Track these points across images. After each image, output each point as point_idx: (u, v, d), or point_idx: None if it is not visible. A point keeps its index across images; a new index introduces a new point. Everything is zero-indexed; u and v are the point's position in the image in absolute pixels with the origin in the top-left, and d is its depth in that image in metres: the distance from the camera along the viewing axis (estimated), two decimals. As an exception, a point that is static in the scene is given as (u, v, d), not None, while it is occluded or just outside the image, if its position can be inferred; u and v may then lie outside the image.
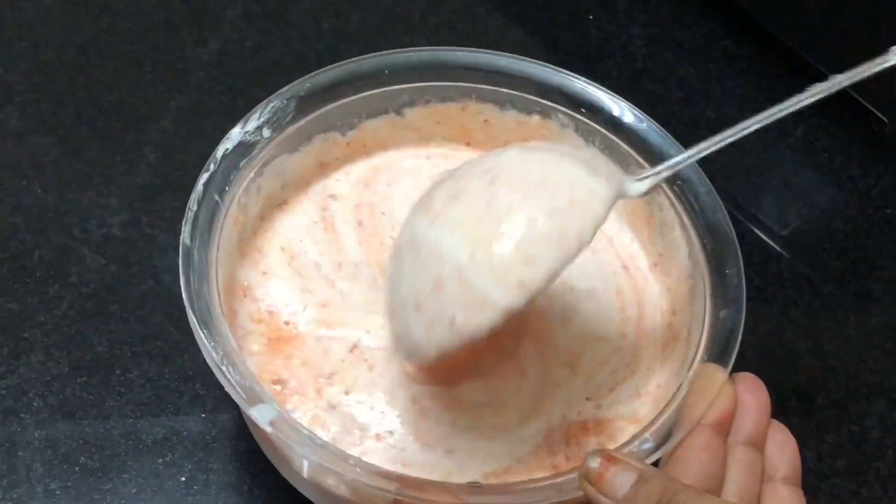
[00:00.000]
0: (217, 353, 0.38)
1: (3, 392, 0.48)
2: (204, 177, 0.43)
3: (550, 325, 0.46)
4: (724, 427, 0.39)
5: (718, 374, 0.40)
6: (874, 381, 0.53)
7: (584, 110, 0.49)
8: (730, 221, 0.45)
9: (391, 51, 0.49)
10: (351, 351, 0.44)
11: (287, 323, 0.45)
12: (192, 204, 0.42)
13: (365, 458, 0.40)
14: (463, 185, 0.37)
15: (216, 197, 0.43)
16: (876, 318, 0.55)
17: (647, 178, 0.40)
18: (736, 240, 0.44)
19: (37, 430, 0.47)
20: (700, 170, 0.46)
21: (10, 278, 0.52)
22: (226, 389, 0.38)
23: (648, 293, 0.48)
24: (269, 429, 0.37)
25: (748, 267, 0.44)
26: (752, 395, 0.39)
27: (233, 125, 0.45)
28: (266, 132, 0.46)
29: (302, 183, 0.49)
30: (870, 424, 0.51)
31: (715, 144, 0.40)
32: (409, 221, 0.39)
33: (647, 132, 0.48)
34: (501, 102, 0.50)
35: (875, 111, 0.60)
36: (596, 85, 0.49)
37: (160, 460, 0.47)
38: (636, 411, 0.44)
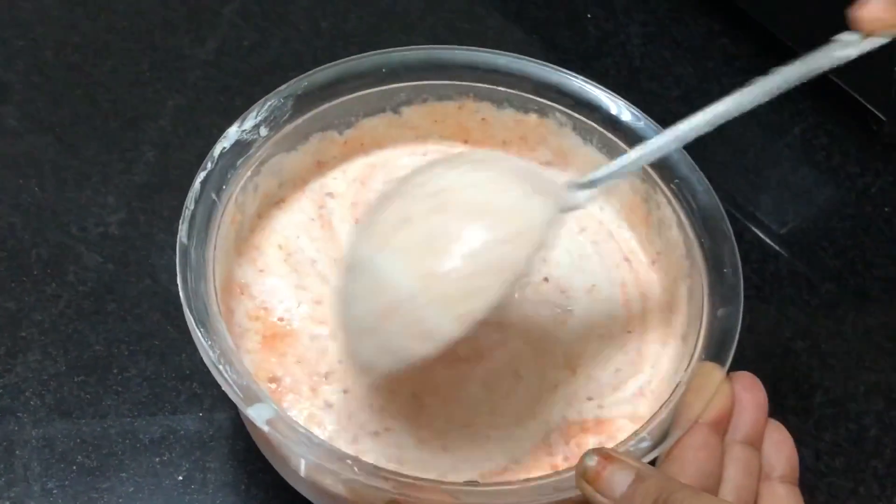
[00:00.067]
0: (214, 352, 0.38)
1: (0, 391, 0.48)
2: (201, 175, 0.43)
3: (548, 326, 0.46)
4: (721, 426, 0.39)
5: (716, 373, 0.40)
6: (872, 379, 0.53)
7: (581, 109, 0.49)
8: (727, 220, 0.45)
9: (389, 49, 0.49)
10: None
11: (281, 319, 0.45)
12: (190, 202, 0.42)
13: (362, 457, 0.40)
14: (410, 210, 0.38)
15: (213, 195, 0.43)
16: (874, 316, 0.55)
17: (587, 187, 0.40)
18: (734, 238, 0.44)
19: (34, 429, 0.47)
20: (697, 168, 0.46)
21: (7, 277, 0.52)
22: (223, 389, 0.38)
23: (647, 290, 0.48)
24: (266, 428, 0.37)
25: (746, 265, 0.44)
26: (750, 393, 0.39)
27: (230, 124, 0.45)
28: (263, 131, 0.46)
29: (299, 181, 0.49)
30: (867, 423, 0.51)
31: (652, 154, 0.41)
32: (359, 241, 0.39)
33: (644, 131, 0.48)
34: (499, 101, 0.50)
35: (873, 110, 0.60)
36: (594, 83, 0.49)
37: (157, 459, 0.47)
38: (637, 410, 0.44)
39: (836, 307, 0.56)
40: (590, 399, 0.44)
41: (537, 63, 0.49)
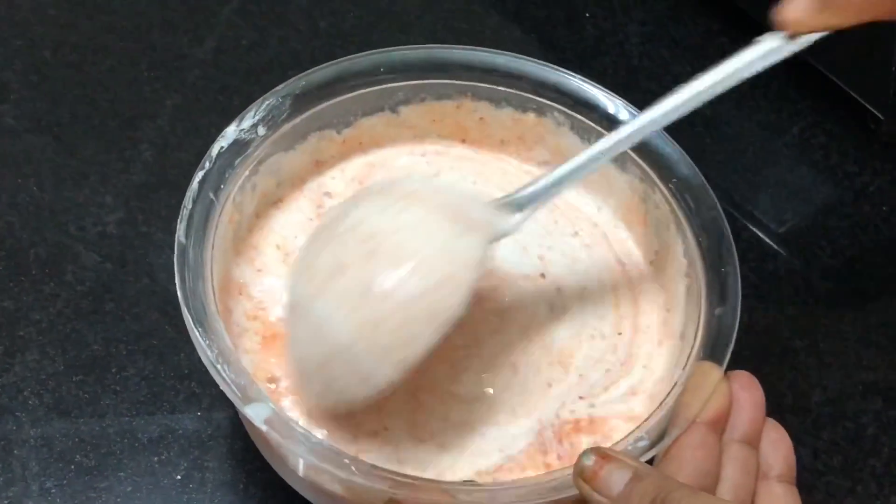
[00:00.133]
0: (212, 351, 0.38)
1: (-1, 390, 0.48)
2: (199, 175, 0.43)
3: (543, 323, 0.46)
4: (719, 425, 0.39)
5: (714, 372, 0.40)
6: (870, 378, 0.53)
7: (579, 108, 0.49)
8: (725, 219, 0.45)
9: (387, 49, 0.49)
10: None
11: (280, 319, 0.45)
12: (188, 202, 0.42)
13: (360, 456, 0.40)
14: (344, 256, 0.39)
15: (211, 195, 0.43)
16: (872, 315, 0.55)
17: (523, 204, 0.41)
18: (731, 237, 0.44)
19: (32, 429, 0.47)
20: (695, 167, 0.46)
21: (5, 276, 0.52)
22: (221, 388, 0.38)
23: (644, 290, 0.48)
24: (264, 427, 0.37)
25: (744, 264, 0.44)
26: (747, 393, 0.39)
27: (228, 123, 0.45)
28: (261, 130, 0.46)
29: (297, 181, 0.49)
30: (865, 422, 0.51)
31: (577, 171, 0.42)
32: (298, 283, 0.41)
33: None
34: (497, 100, 0.50)
35: (872, 109, 0.60)
36: (592, 83, 0.49)
37: (156, 458, 0.47)
38: (632, 409, 0.44)
39: (835, 306, 0.56)
40: (581, 398, 0.44)
41: (535, 62, 0.49)
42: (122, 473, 0.46)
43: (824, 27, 0.40)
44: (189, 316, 0.39)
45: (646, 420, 0.40)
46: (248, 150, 0.45)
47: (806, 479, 0.49)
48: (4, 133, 0.57)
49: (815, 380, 0.53)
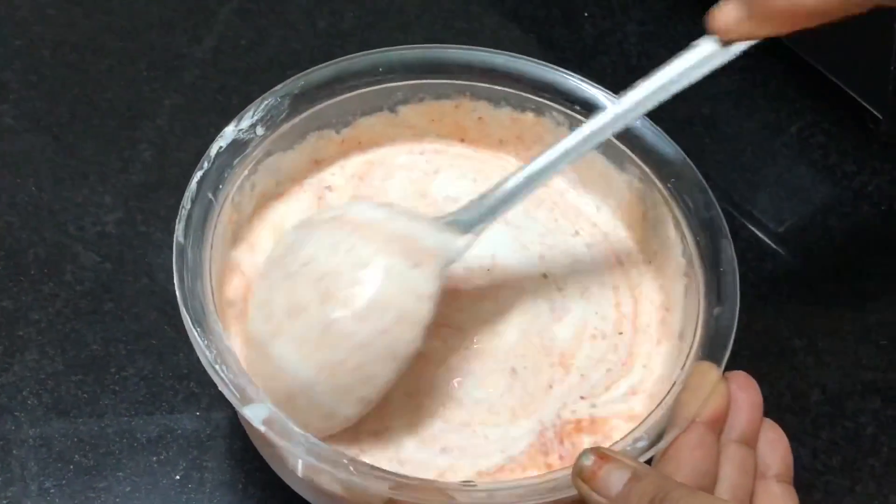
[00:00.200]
0: (211, 351, 0.38)
1: (-2, 390, 0.48)
2: (198, 175, 0.43)
3: (544, 323, 0.46)
4: (717, 425, 0.39)
5: (712, 372, 0.40)
6: (869, 378, 0.53)
7: (578, 107, 0.49)
8: (724, 218, 0.45)
9: (385, 48, 0.49)
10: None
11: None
12: (186, 202, 0.42)
13: (360, 457, 0.40)
14: (300, 297, 0.40)
15: (210, 195, 0.43)
16: (871, 315, 0.55)
17: (470, 229, 0.42)
18: (730, 237, 0.44)
19: (31, 429, 0.47)
20: (694, 167, 0.46)
21: (4, 276, 0.52)
22: (219, 388, 0.38)
23: (643, 290, 0.48)
24: (262, 428, 0.37)
25: (742, 264, 0.44)
26: (745, 393, 0.39)
27: (227, 123, 0.45)
28: (260, 130, 0.46)
29: (296, 180, 0.49)
30: (864, 421, 0.51)
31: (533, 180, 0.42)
32: (254, 318, 0.42)
33: (641, 130, 0.48)
34: (496, 100, 0.50)
35: (870, 108, 0.60)
36: (590, 82, 0.49)
37: (155, 458, 0.47)
38: (632, 409, 0.44)
39: (833, 305, 0.56)
40: (583, 398, 0.44)
41: (534, 62, 0.49)
42: (120, 473, 0.46)
43: (752, 35, 0.40)
44: (187, 316, 0.39)
45: (644, 420, 0.40)
46: (247, 150, 0.45)
47: (805, 478, 0.49)
48: (3, 133, 0.57)
49: (813, 379, 0.53)
